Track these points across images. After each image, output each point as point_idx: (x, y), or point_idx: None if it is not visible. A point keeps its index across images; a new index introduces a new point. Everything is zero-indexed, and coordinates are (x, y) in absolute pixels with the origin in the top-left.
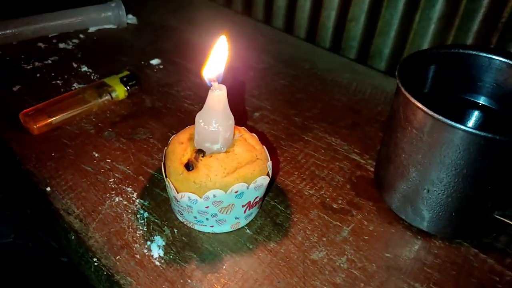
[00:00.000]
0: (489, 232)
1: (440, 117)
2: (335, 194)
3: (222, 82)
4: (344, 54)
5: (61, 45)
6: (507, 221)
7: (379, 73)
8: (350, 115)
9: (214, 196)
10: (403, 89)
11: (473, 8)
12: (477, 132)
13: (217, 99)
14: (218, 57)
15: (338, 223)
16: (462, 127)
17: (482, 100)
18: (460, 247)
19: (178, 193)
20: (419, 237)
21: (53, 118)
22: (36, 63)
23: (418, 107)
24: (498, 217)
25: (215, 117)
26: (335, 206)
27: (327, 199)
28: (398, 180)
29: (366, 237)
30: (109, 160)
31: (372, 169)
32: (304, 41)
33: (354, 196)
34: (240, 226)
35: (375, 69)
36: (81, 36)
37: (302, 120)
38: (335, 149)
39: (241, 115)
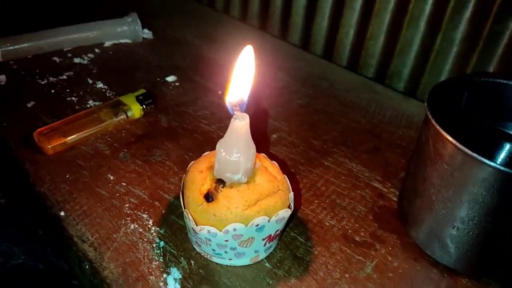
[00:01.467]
0: None
1: (474, 154)
2: (357, 225)
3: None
4: (362, 73)
5: (76, 60)
6: None
7: (398, 94)
8: (370, 138)
9: (235, 229)
10: (433, 121)
11: (498, 31)
12: (511, 171)
13: (240, 129)
14: (242, 78)
15: (361, 257)
16: (496, 165)
17: None
18: (488, 286)
19: (197, 225)
20: (445, 275)
21: (68, 138)
22: (51, 78)
23: (449, 141)
24: None
25: (236, 146)
26: (357, 238)
27: (349, 231)
28: (425, 215)
29: (391, 274)
30: (124, 184)
31: (395, 199)
32: (320, 58)
33: (377, 228)
34: (259, 259)
35: (393, 89)
36: (97, 50)
37: (321, 143)
38: (356, 176)
39: (259, 137)
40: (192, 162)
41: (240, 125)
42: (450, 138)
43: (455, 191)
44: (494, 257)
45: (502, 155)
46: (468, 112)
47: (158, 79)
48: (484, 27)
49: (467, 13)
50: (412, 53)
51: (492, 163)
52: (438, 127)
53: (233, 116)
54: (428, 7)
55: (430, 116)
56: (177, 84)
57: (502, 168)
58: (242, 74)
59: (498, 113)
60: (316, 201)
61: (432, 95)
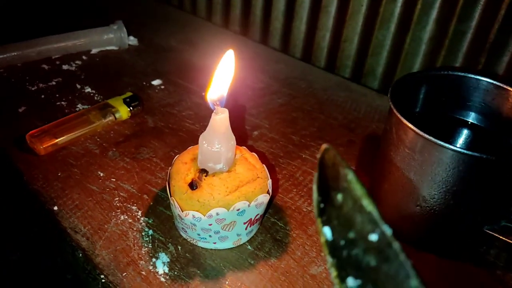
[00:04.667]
0: (479, 245)
1: (430, 138)
2: None
3: (224, 102)
4: (339, 73)
5: (65, 67)
6: (496, 235)
7: (373, 92)
8: (346, 133)
9: (217, 214)
10: (395, 110)
11: (461, 30)
12: (465, 151)
13: (220, 122)
14: (223, 77)
15: None
16: (452, 146)
17: (471, 119)
18: (451, 261)
19: (182, 211)
20: (412, 251)
21: (59, 139)
22: (41, 85)
23: (409, 127)
24: (488, 231)
25: (217, 138)
26: None
27: None
28: (392, 196)
29: None
30: (114, 179)
31: (368, 186)
32: (300, 60)
33: None
34: (242, 243)
35: (369, 88)
36: (84, 57)
37: (299, 138)
38: None
39: (241, 134)
40: (177, 156)
41: (220, 118)
42: (409, 124)
43: (416, 172)
44: (456, 234)
45: (460, 140)
46: (427, 103)
47: (144, 83)
48: (449, 26)
49: (433, 14)
50: (384, 53)
51: (447, 145)
52: (399, 115)
53: (214, 111)
54: (397, 9)
55: (392, 106)
56: (162, 87)
57: (456, 148)
58: (223, 74)
59: (453, 103)
60: (295, 190)
61: (395, 88)
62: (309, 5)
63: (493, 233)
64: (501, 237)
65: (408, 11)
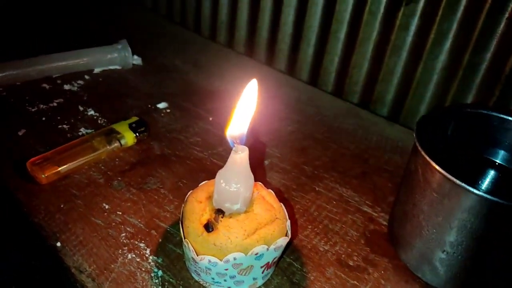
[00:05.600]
0: None
1: (462, 184)
2: (350, 250)
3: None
4: (347, 99)
5: (66, 87)
6: None
7: (383, 119)
8: (359, 164)
9: (235, 259)
10: (422, 152)
11: (476, 62)
12: (497, 200)
13: (239, 160)
14: (244, 111)
15: (356, 282)
16: (483, 194)
17: (499, 160)
18: None
19: (197, 255)
20: None
21: (62, 167)
22: (41, 106)
23: (438, 170)
24: None
25: (236, 177)
26: (351, 263)
27: (343, 255)
28: (415, 239)
29: None
30: (120, 213)
31: (385, 223)
32: (306, 84)
33: (369, 252)
34: (257, 286)
35: (377, 115)
36: (86, 77)
37: (312, 169)
38: (346, 201)
39: (255, 166)
40: (190, 192)
41: (240, 157)
42: (438, 168)
43: (444, 217)
44: (481, 279)
45: (487, 182)
46: (454, 141)
47: (149, 106)
48: (463, 57)
49: (447, 45)
50: (395, 81)
51: (478, 192)
52: (426, 157)
53: (233, 149)
54: (409, 38)
55: (419, 146)
56: (168, 110)
57: (488, 196)
58: (244, 108)
59: (482, 141)
60: (310, 227)
61: (420, 125)
62: (317, 29)
63: None
64: None
65: (420, 40)
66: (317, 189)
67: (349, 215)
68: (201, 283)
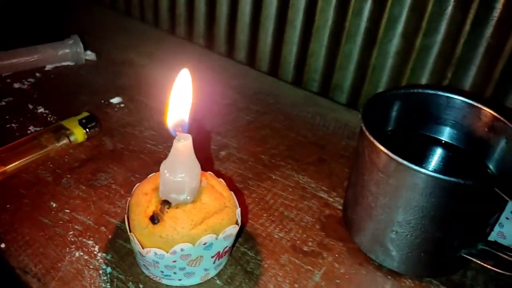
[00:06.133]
0: (457, 270)
1: (404, 162)
2: (305, 235)
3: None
4: (307, 88)
5: (16, 85)
6: (474, 259)
7: (341, 106)
8: (316, 151)
9: (182, 250)
10: (367, 133)
11: (428, 44)
12: (441, 176)
13: (183, 149)
14: (182, 100)
15: (310, 267)
16: (426, 171)
17: (445, 137)
18: (430, 286)
19: (143, 248)
20: (389, 277)
21: (8, 166)
22: None
23: (382, 151)
24: (465, 255)
25: (180, 167)
26: (305, 248)
27: (298, 242)
28: (366, 221)
29: (338, 281)
30: (68, 211)
31: (340, 207)
32: (267, 74)
33: (324, 237)
34: (210, 277)
35: (336, 102)
36: (37, 74)
37: (269, 157)
38: (303, 187)
39: (207, 155)
40: (137, 185)
41: (183, 145)
42: (382, 148)
43: (390, 197)
44: (433, 258)
45: (434, 160)
46: (401, 122)
47: (103, 101)
48: (415, 41)
49: (399, 28)
50: (352, 67)
51: (421, 169)
52: (371, 138)
53: (176, 137)
54: (363, 24)
55: (364, 128)
56: (122, 105)
57: (431, 173)
58: (180, 96)
59: (428, 121)
60: (265, 215)
61: (366, 108)
62: (274, 18)
63: (471, 258)
64: (478, 261)
65: (374, 25)
66: (273, 177)
67: (305, 202)
68: (151, 277)
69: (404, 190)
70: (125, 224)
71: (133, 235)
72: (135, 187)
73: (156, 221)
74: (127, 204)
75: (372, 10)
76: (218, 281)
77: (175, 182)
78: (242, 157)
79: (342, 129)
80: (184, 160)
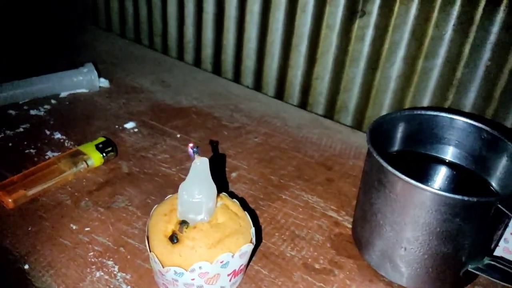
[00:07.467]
0: (464, 284)
1: (411, 181)
2: (316, 253)
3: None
4: (312, 110)
5: (33, 112)
6: (481, 273)
7: (347, 128)
8: (323, 171)
9: (200, 268)
10: (374, 154)
11: (429, 67)
12: (446, 194)
13: (200, 171)
14: None
15: (322, 284)
16: (432, 189)
17: (449, 157)
18: None
19: (163, 267)
20: None
21: (28, 191)
22: (7, 132)
23: (390, 171)
24: (472, 270)
25: (198, 188)
26: (317, 266)
27: (309, 260)
28: (375, 238)
29: None
30: (88, 232)
31: (350, 226)
32: (273, 98)
33: (334, 254)
34: None
35: (342, 124)
36: (53, 101)
37: (278, 178)
38: (312, 207)
39: (220, 178)
40: (155, 206)
41: (201, 168)
42: (390, 168)
43: (399, 214)
44: (441, 273)
45: (438, 178)
46: (405, 142)
47: (117, 126)
48: (416, 64)
49: (401, 53)
50: (356, 89)
51: (428, 188)
52: (379, 159)
53: (194, 160)
54: (366, 49)
55: (371, 150)
56: (135, 130)
57: (437, 191)
58: None
59: (432, 141)
60: (277, 234)
61: (372, 130)
62: (280, 44)
63: (478, 272)
64: (485, 275)
65: (376, 50)
66: (283, 197)
67: (315, 221)
68: None
69: (411, 207)
70: (143, 244)
71: (153, 254)
72: (153, 209)
73: (175, 241)
74: (147, 225)
75: (374, 36)
76: None
77: (193, 203)
78: (253, 178)
79: (349, 150)
80: (201, 182)
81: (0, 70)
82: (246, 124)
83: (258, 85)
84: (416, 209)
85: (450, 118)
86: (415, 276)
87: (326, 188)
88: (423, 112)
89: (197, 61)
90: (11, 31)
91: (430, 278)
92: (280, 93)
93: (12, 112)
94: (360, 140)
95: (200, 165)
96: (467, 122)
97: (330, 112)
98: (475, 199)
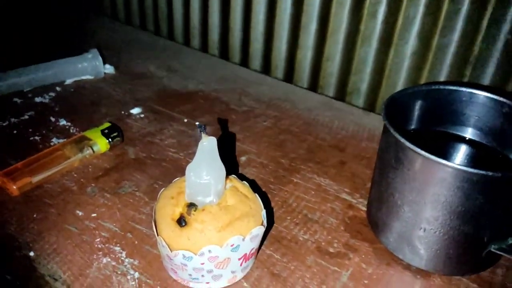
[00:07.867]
0: (486, 266)
1: (432, 156)
2: (330, 237)
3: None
4: (323, 92)
5: (38, 99)
6: (504, 254)
7: (359, 109)
8: (336, 153)
9: (210, 251)
10: (391, 130)
11: (444, 44)
12: (469, 169)
13: (208, 150)
14: None
15: (336, 268)
16: (454, 165)
17: (469, 134)
18: (460, 284)
19: (171, 251)
20: (418, 276)
21: (33, 177)
22: (13, 119)
23: (408, 147)
24: (494, 250)
25: (206, 169)
26: (331, 250)
27: (323, 243)
28: (392, 220)
29: (366, 281)
30: (94, 218)
31: (364, 208)
32: (282, 81)
33: (349, 238)
34: (237, 280)
35: (354, 106)
36: (58, 88)
37: (289, 161)
38: (325, 190)
39: (229, 161)
40: (162, 190)
41: (208, 148)
42: (408, 144)
43: (418, 193)
44: (462, 254)
45: (459, 157)
46: (422, 120)
47: (123, 112)
48: (431, 40)
49: (415, 29)
50: (368, 70)
51: (449, 163)
52: (396, 135)
53: (200, 140)
54: (378, 26)
55: (388, 125)
56: (142, 115)
57: (459, 166)
58: None
59: (451, 117)
60: (289, 218)
61: (388, 106)
62: (288, 24)
63: (501, 253)
64: (509, 256)
65: (389, 27)
66: (295, 180)
67: (328, 204)
68: (179, 281)
69: (431, 185)
70: (151, 230)
71: (161, 238)
72: (160, 192)
73: (183, 224)
74: (154, 208)
75: (387, 12)
76: (245, 284)
77: (201, 185)
78: (263, 162)
79: (361, 132)
80: (209, 162)
81: (5, 58)
82: (254, 107)
83: (266, 68)
84: (437, 187)
85: (470, 92)
86: (434, 258)
87: (339, 170)
88: (441, 86)
89: (204, 46)
90: (15, 18)
91: (451, 260)
92: (289, 76)
93: (17, 99)
94: (373, 122)
95: (208, 145)
96: (487, 97)
97: (342, 94)
98: (499, 174)
